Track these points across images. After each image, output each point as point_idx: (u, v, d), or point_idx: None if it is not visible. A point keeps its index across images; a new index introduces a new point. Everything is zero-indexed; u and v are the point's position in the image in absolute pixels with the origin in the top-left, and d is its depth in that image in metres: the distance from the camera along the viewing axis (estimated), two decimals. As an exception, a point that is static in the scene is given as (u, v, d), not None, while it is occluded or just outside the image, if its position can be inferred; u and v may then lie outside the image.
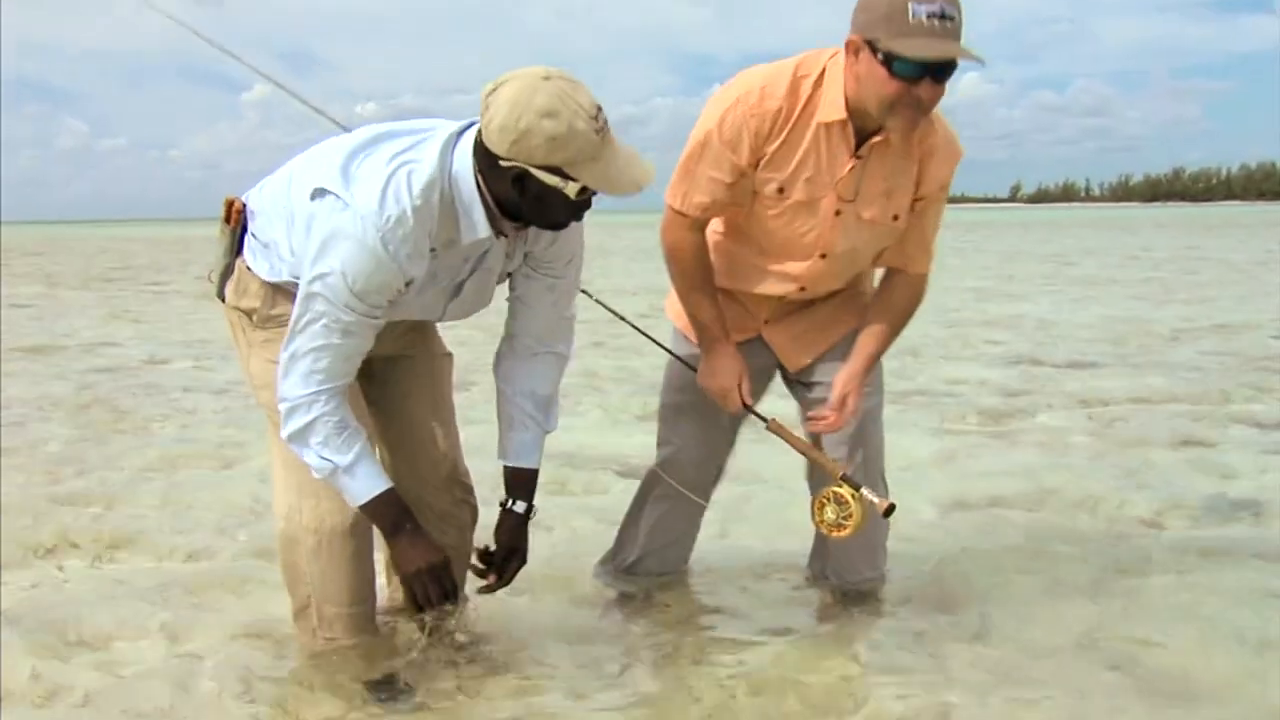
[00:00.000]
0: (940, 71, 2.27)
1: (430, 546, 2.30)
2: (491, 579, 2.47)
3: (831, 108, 2.42)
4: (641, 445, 4.87)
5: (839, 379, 2.64)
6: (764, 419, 2.63)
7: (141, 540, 3.59)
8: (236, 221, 2.42)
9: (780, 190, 2.50)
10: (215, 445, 5.04)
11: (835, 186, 2.49)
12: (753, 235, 2.62)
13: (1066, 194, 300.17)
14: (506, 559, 2.47)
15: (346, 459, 2.23)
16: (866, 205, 2.52)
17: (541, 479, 2.54)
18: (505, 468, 2.51)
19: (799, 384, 2.85)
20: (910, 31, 2.21)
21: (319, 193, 2.15)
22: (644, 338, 2.83)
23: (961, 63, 2.27)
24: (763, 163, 2.48)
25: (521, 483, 2.50)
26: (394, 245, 2.10)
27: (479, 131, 2.12)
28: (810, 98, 2.44)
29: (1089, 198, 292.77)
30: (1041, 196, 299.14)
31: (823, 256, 2.59)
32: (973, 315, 10.48)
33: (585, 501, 4.09)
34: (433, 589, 2.31)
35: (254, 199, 2.40)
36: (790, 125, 2.45)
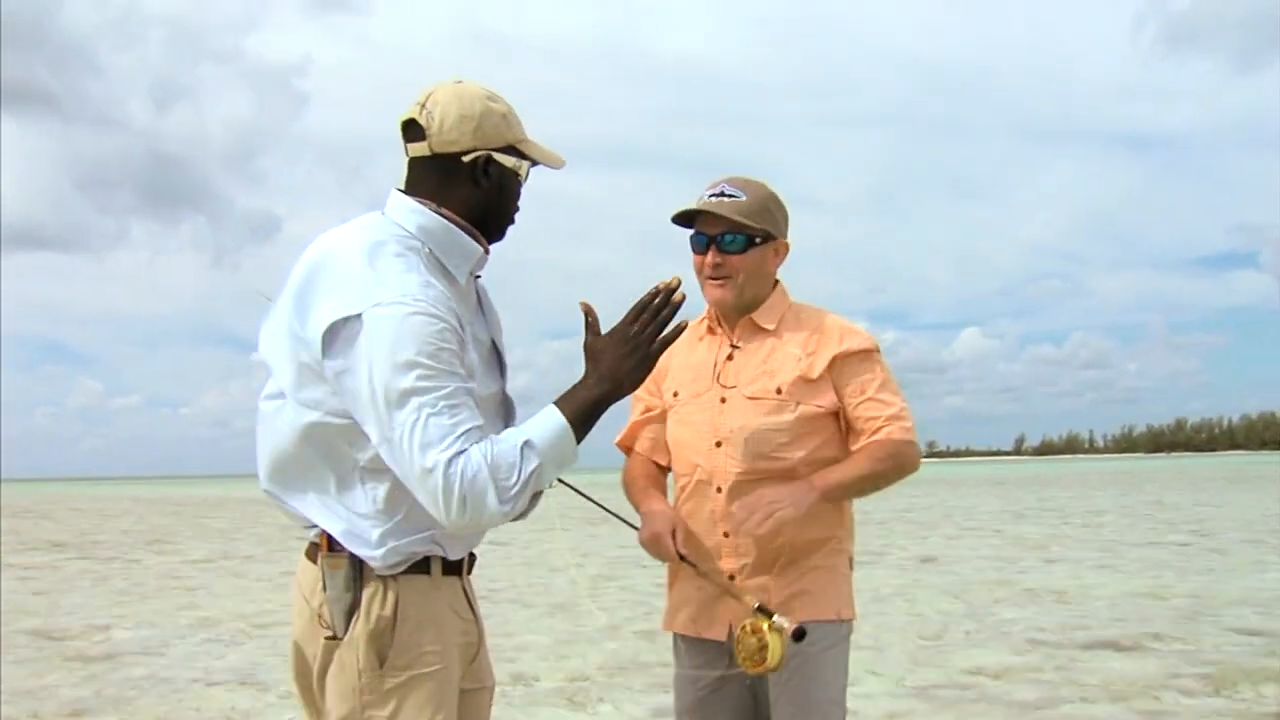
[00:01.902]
0: (720, 241, 2.57)
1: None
2: None
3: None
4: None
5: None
6: (693, 564, 2.54)
7: None
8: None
9: (675, 394, 2.70)
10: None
11: (716, 377, 2.64)
12: (674, 458, 2.73)
13: (1071, 446, 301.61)
14: None
15: (538, 464, 1.96)
16: (742, 384, 2.61)
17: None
18: None
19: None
20: (700, 209, 2.58)
21: (325, 338, 1.95)
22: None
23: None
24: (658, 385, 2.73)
25: None
26: (420, 292, 1.96)
27: (420, 159, 2.11)
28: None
29: (1093, 449, 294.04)
30: (1046, 449, 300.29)
31: (718, 444, 2.59)
32: (988, 589, 10.29)
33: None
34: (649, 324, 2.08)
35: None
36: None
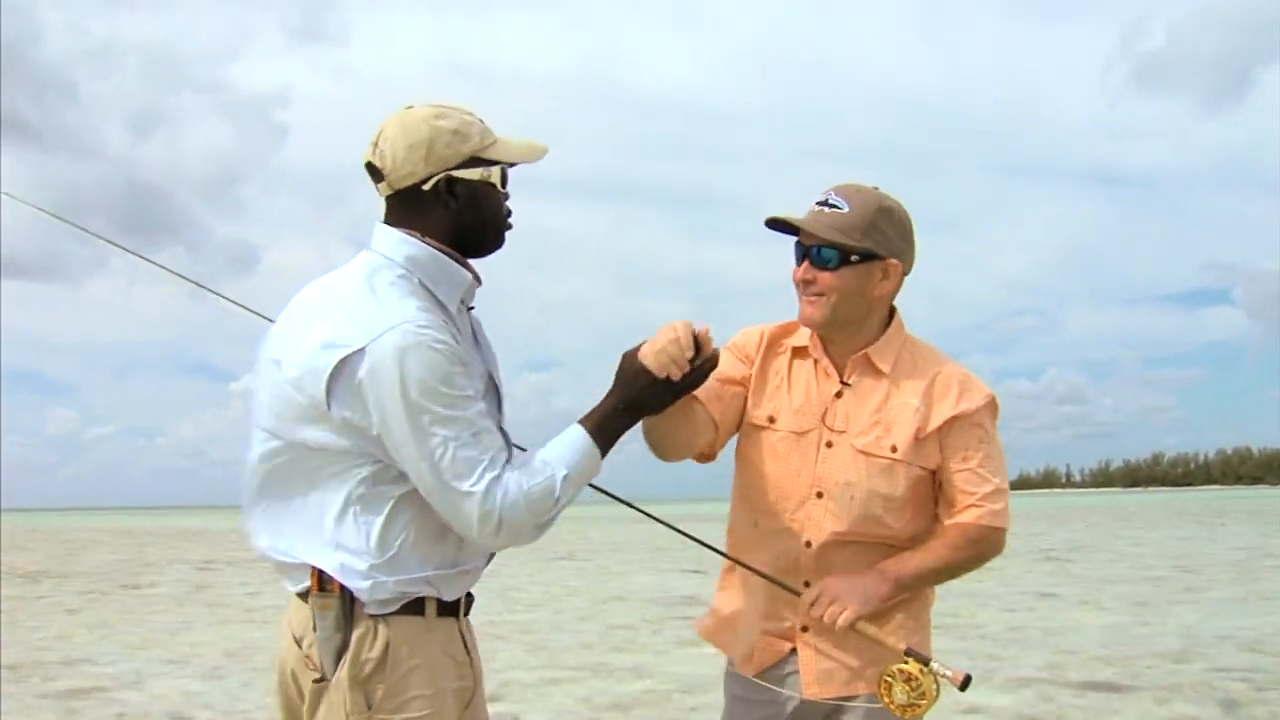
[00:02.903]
0: (813, 254, 2.31)
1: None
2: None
3: (802, 332, 2.45)
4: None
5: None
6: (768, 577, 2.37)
7: None
8: (337, 584, 2.01)
9: (770, 419, 2.42)
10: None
11: (823, 416, 2.38)
12: (750, 490, 2.45)
13: (1048, 480, 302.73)
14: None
15: (566, 477, 2.01)
16: (851, 431, 2.36)
17: None
18: None
19: None
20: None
21: (332, 376, 1.92)
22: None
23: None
24: (751, 384, 2.45)
25: None
26: (424, 319, 1.95)
27: (390, 200, 2.09)
28: (788, 324, 2.49)
29: (1070, 484, 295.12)
30: (1023, 483, 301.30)
31: (819, 495, 2.35)
32: (973, 627, 10.28)
33: None
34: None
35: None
36: (765, 348, 2.48)
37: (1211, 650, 8.59)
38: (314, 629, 2.03)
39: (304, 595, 2.07)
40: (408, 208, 2.09)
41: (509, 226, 2.19)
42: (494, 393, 2.19)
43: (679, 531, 2.50)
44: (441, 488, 1.94)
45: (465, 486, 1.93)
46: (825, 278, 2.30)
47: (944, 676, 2.19)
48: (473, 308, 2.22)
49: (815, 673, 2.36)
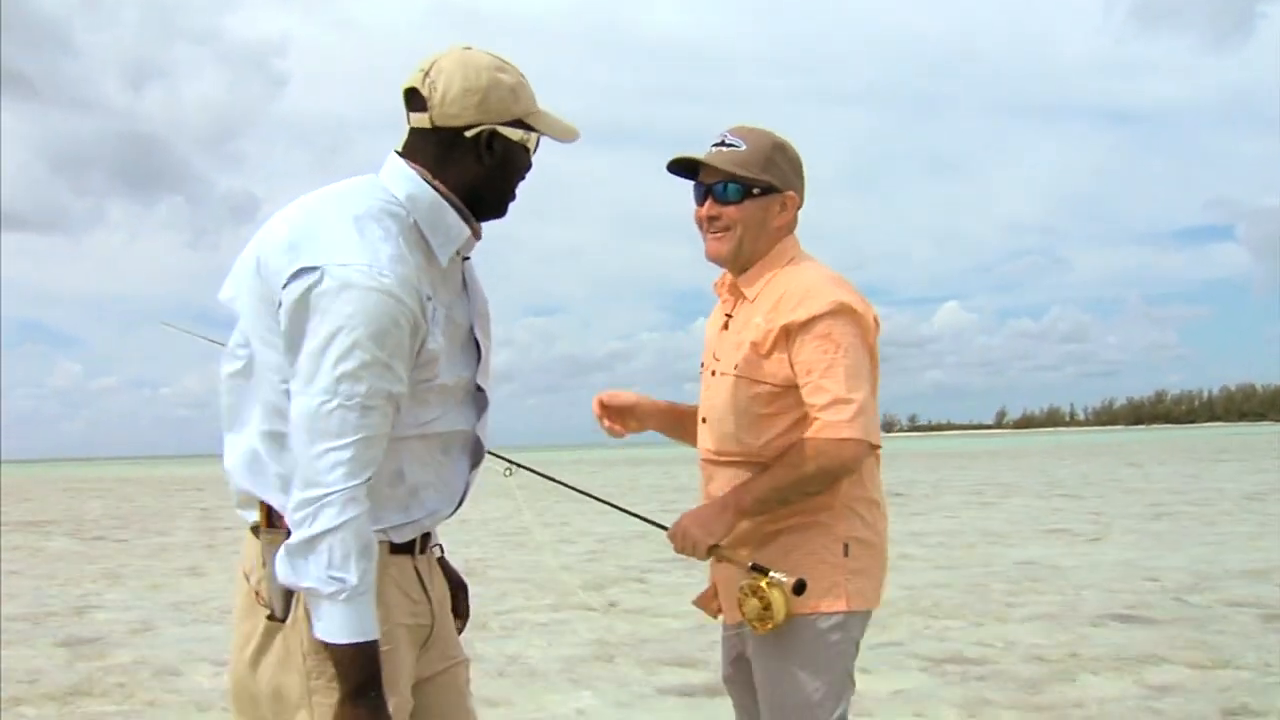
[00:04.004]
0: (714, 189, 2.42)
1: None
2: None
3: (722, 275, 2.58)
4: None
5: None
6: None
7: None
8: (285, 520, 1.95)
9: (702, 364, 2.60)
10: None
11: (714, 351, 2.53)
12: None
13: (1051, 419, 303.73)
14: (458, 596, 2.26)
15: (361, 582, 1.85)
16: (723, 359, 2.47)
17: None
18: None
19: None
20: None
21: (287, 283, 1.86)
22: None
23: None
24: None
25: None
26: (388, 271, 1.86)
27: (420, 131, 2.01)
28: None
29: (1074, 422, 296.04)
30: (1027, 422, 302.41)
31: (703, 420, 2.53)
32: (985, 565, 10.23)
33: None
34: None
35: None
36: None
37: (1224, 583, 8.54)
38: (263, 564, 1.96)
39: (255, 529, 2.01)
40: (438, 147, 2.02)
41: (514, 198, 2.13)
42: (472, 346, 2.11)
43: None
44: (305, 434, 1.85)
45: (321, 457, 1.83)
46: (730, 211, 2.41)
47: (781, 584, 2.26)
48: (468, 257, 2.14)
49: (726, 602, 2.48)
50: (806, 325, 2.29)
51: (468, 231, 2.05)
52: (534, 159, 2.10)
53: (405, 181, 2.01)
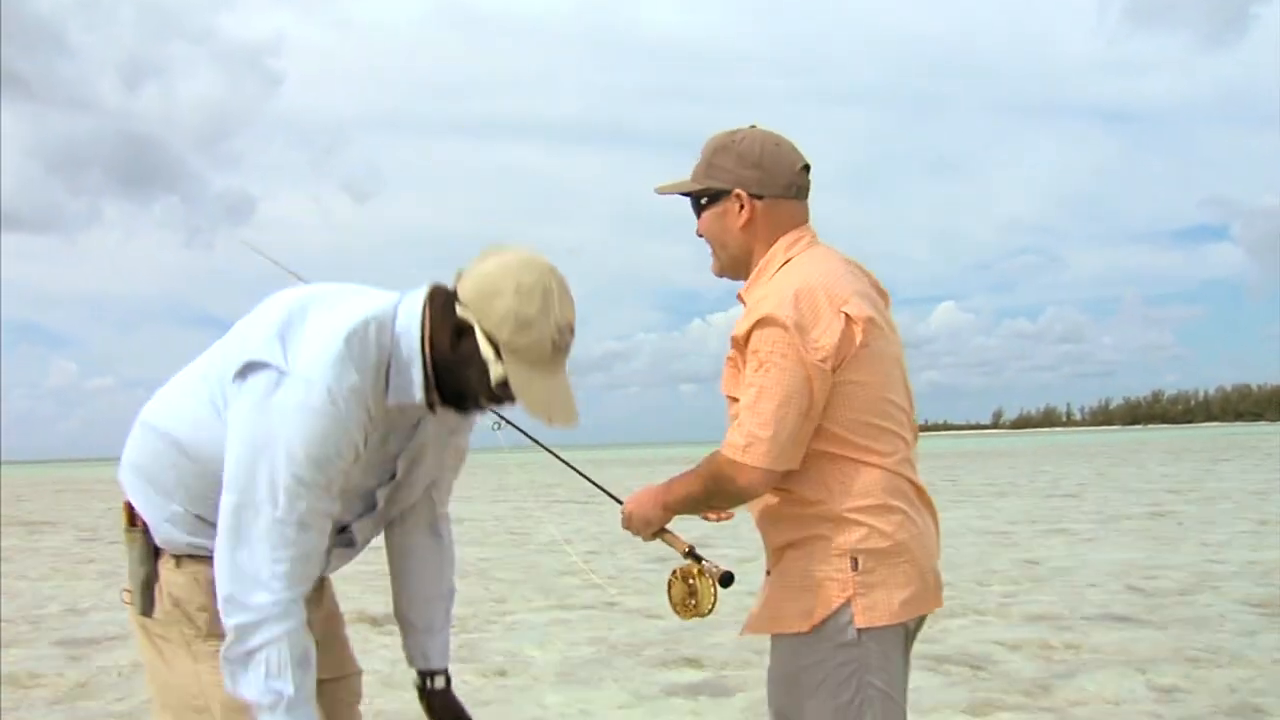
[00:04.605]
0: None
1: None
2: None
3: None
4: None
5: None
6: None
7: None
8: (143, 520, 2.10)
9: None
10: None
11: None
12: None
13: (1048, 419, 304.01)
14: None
15: (299, 692, 1.91)
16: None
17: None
18: (421, 671, 2.34)
19: None
20: None
21: (249, 368, 1.91)
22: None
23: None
24: None
25: (439, 670, 2.34)
26: (344, 402, 1.90)
27: (442, 289, 2.04)
28: None
29: (1070, 422, 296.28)
30: (1024, 422, 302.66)
31: None
32: (985, 564, 10.22)
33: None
34: None
35: (130, 477, 2.14)
36: None
37: (1225, 582, 8.53)
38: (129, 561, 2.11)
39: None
40: (443, 304, 2.01)
41: (467, 409, 2.10)
42: (389, 467, 2.15)
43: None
44: (232, 538, 1.91)
45: (257, 568, 1.89)
46: (699, 226, 2.35)
47: (710, 574, 2.26)
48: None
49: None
50: (745, 339, 2.17)
51: (418, 399, 2.02)
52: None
53: (409, 318, 2.01)
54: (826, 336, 2.11)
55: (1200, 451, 43.33)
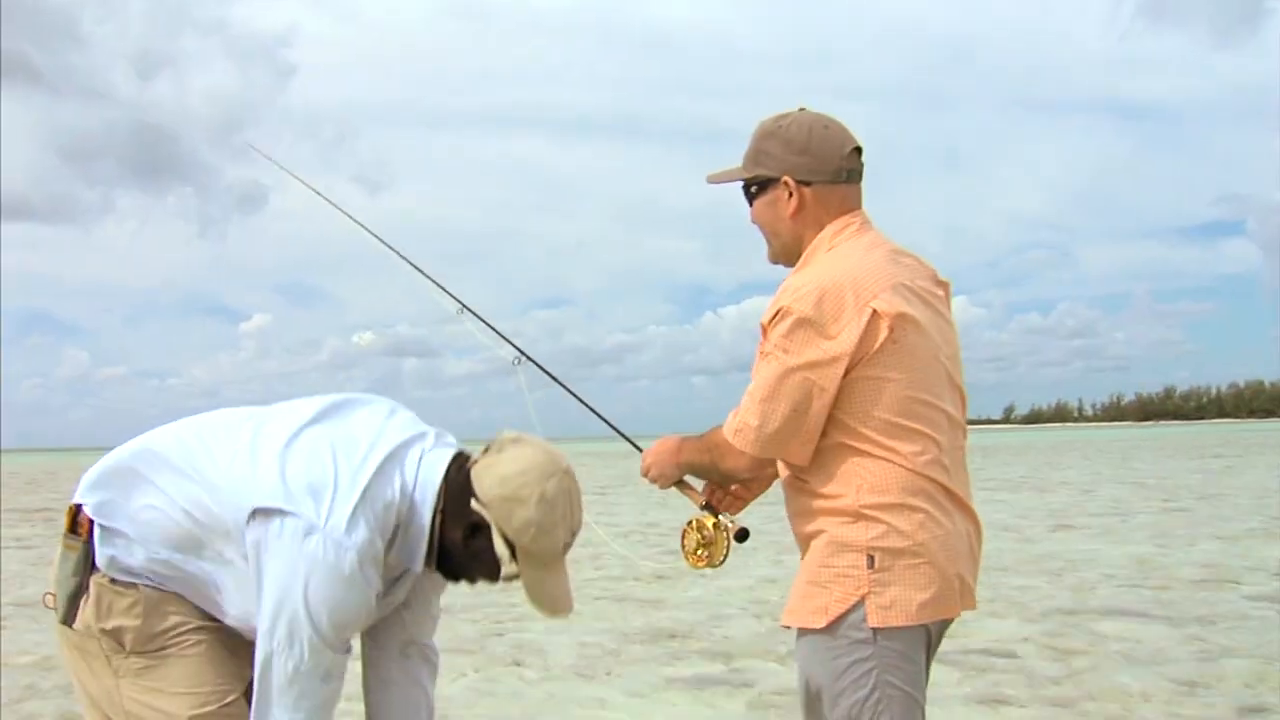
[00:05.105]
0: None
1: None
2: None
3: None
4: (683, 716, 4.64)
5: None
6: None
7: None
8: (87, 532, 2.09)
9: None
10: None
11: None
12: None
13: (1060, 414, 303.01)
14: None
15: None
16: None
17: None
18: None
19: None
20: None
21: (264, 514, 1.95)
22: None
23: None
24: None
25: None
26: (368, 568, 1.98)
27: (459, 464, 2.08)
28: None
29: (1082, 418, 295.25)
30: (1035, 417, 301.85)
31: None
32: (997, 559, 10.19)
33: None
34: None
35: (104, 494, 2.12)
36: None
37: (1239, 578, 8.50)
38: (57, 567, 2.12)
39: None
40: (459, 492, 2.07)
41: (468, 581, 2.17)
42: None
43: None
44: (264, 696, 1.97)
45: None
46: (751, 216, 2.34)
47: (726, 528, 2.33)
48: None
49: None
50: (764, 327, 2.19)
51: (418, 569, 2.12)
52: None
53: (426, 490, 2.06)
54: (846, 333, 2.10)
55: (1213, 447, 43.16)
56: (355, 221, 2.79)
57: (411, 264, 2.71)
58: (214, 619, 2.12)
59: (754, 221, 2.34)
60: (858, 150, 2.29)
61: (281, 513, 1.94)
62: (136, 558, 2.07)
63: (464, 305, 2.66)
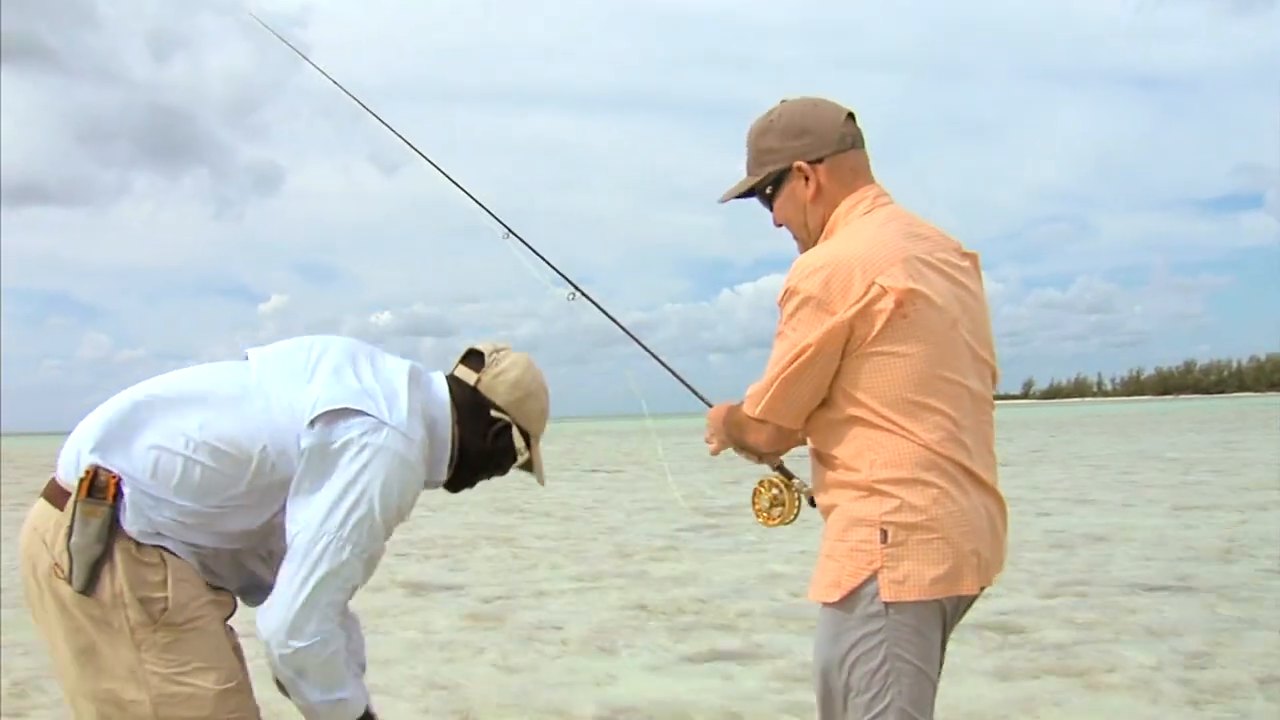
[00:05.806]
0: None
1: None
2: None
3: None
4: (699, 690, 4.65)
5: None
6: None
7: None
8: (113, 494, 2.01)
9: None
10: None
11: None
12: None
13: (1079, 389, 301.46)
14: None
15: (354, 694, 2.20)
16: None
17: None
18: None
19: None
20: None
21: (330, 415, 2.08)
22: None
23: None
24: None
25: None
26: (421, 465, 2.19)
27: (463, 382, 2.35)
28: None
29: (1101, 392, 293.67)
30: (1054, 392, 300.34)
31: None
32: (1015, 534, 10.15)
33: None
34: None
35: (118, 450, 2.06)
36: None
37: (1259, 551, 8.47)
38: (68, 534, 2.01)
39: (54, 496, 2.08)
40: (468, 405, 2.35)
41: (472, 487, 2.49)
42: None
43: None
44: (307, 568, 2.05)
45: (318, 594, 2.05)
46: (775, 217, 2.35)
47: (803, 492, 2.40)
48: None
49: None
50: (779, 303, 2.21)
51: (441, 479, 2.36)
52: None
53: (443, 407, 2.31)
54: (850, 309, 2.10)
55: (1233, 421, 42.90)
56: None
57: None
58: (212, 589, 2.15)
59: (779, 224, 2.35)
60: (851, 116, 2.31)
61: (349, 411, 2.08)
62: (163, 514, 2.05)
63: (514, 233, 2.79)
